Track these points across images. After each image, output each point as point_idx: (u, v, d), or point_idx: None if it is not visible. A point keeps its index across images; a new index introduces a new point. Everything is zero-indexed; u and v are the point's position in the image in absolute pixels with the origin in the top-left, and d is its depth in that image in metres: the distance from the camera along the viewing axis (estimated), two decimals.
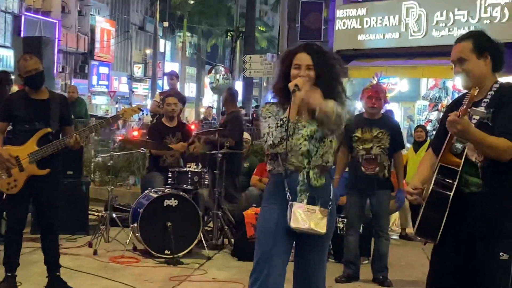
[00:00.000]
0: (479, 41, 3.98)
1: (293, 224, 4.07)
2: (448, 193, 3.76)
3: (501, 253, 3.80)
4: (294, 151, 4.15)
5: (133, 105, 7.76)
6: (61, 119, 6.14)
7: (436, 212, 3.79)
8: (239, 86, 34.17)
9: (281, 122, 4.10)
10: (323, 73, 4.19)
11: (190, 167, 8.44)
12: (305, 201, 4.13)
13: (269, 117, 4.21)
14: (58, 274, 6.25)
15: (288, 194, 4.13)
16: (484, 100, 3.90)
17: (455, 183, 3.76)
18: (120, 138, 14.50)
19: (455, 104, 4.08)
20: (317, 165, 4.18)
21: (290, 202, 4.11)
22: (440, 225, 3.76)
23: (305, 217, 4.08)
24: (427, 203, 3.81)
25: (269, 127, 4.15)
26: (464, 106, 3.54)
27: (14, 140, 6.05)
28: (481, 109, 3.69)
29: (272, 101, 4.29)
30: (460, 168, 3.78)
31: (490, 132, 3.69)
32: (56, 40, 35.18)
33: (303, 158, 4.17)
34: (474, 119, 3.84)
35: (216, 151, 8.78)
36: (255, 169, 10.32)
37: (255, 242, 4.30)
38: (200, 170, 8.43)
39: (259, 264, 4.20)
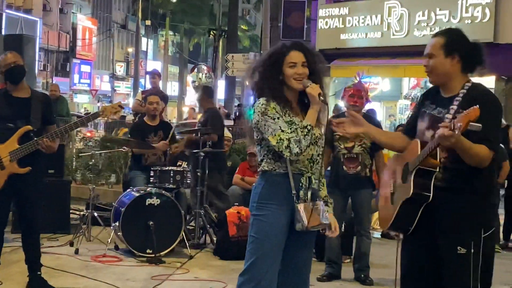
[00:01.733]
0: (451, 40, 4.02)
1: (310, 224, 4.08)
2: (427, 194, 3.86)
3: (458, 247, 3.88)
4: (302, 155, 4.17)
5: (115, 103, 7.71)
6: (43, 118, 6.10)
7: (411, 210, 3.91)
8: (221, 85, 34.13)
9: (306, 130, 4.09)
10: (315, 70, 4.24)
11: (181, 165, 8.43)
12: (310, 198, 4.15)
13: (278, 118, 4.11)
14: (39, 273, 6.21)
15: (294, 197, 4.12)
16: (456, 98, 3.96)
17: (431, 186, 3.85)
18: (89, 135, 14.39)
19: (427, 97, 4.19)
20: (318, 170, 4.23)
21: (297, 204, 4.11)
22: (414, 220, 3.91)
23: (314, 214, 4.12)
24: (407, 201, 3.89)
25: (288, 132, 4.08)
26: (462, 123, 3.51)
27: None
28: (476, 124, 3.68)
29: (265, 99, 4.17)
30: (437, 170, 3.84)
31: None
32: (38, 38, 34.95)
33: (308, 162, 4.20)
34: (446, 118, 3.91)
35: (198, 150, 8.76)
36: (237, 168, 10.32)
37: (250, 240, 4.25)
38: (182, 169, 8.42)
39: (256, 264, 4.16)
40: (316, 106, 4.14)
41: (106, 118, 6.68)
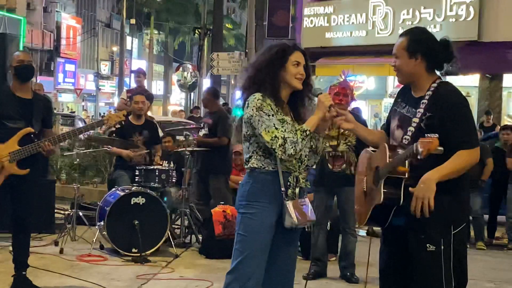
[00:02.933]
0: (412, 41, 4.04)
1: (298, 221, 4.12)
2: (398, 199, 3.90)
3: (428, 245, 3.91)
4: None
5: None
6: (43, 121, 6.09)
7: (383, 212, 3.97)
8: (206, 83, 34.09)
9: (305, 134, 4.10)
10: (309, 73, 4.29)
11: (162, 165, 8.44)
12: (298, 195, 4.18)
13: (272, 115, 4.11)
14: (24, 273, 6.18)
15: (284, 195, 4.14)
16: (423, 100, 4.00)
17: (401, 193, 3.88)
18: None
19: (400, 96, 4.24)
20: (305, 169, 4.26)
21: (287, 201, 4.13)
22: (387, 219, 3.98)
23: (303, 211, 4.17)
24: (377, 206, 3.95)
25: (282, 130, 4.09)
26: (423, 152, 3.64)
27: None
28: (438, 148, 3.72)
29: (261, 94, 4.15)
30: (407, 176, 3.88)
31: (422, 134, 3.78)
32: (21, 37, 34.77)
33: (296, 162, 4.20)
34: (414, 122, 3.97)
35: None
36: None
37: (238, 239, 4.24)
38: (167, 168, 8.40)
39: (245, 262, 4.17)
40: (321, 114, 4.16)
41: (111, 126, 6.60)
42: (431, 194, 3.78)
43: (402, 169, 3.88)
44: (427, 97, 3.98)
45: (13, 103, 6.00)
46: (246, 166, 4.28)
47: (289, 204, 4.12)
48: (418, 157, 3.64)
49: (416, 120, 3.97)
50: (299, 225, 4.16)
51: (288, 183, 4.17)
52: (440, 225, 3.86)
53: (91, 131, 12.81)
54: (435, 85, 4.01)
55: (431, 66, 4.05)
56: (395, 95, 4.41)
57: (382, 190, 3.90)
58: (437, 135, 3.64)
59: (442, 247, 3.89)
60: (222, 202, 8.64)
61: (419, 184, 3.81)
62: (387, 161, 3.93)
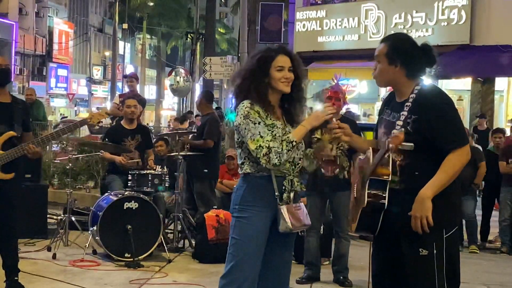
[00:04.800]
0: (392, 49, 4.06)
1: (292, 226, 4.13)
2: (382, 202, 3.92)
3: (420, 249, 3.92)
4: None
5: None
6: (23, 125, 6.07)
7: (372, 216, 3.97)
8: (199, 88, 34.10)
9: (291, 145, 4.11)
10: (300, 75, 4.30)
11: (155, 169, 8.44)
12: (292, 200, 4.20)
13: (259, 122, 4.13)
14: (16, 278, 6.16)
15: (278, 199, 4.15)
16: (407, 104, 4.02)
17: (386, 194, 3.91)
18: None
19: (385, 104, 4.28)
20: (299, 172, 4.28)
21: (281, 206, 4.14)
22: (377, 224, 3.97)
23: (297, 216, 4.18)
24: (364, 209, 3.95)
25: (268, 140, 4.09)
26: (393, 146, 3.72)
27: None
28: (407, 144, 3.78)
29: (250, 102, 4.18)
30: (390, 179, 3.89)
31: (410, 138, 3.81)
32: (14, 42, 34.73)
33: (290, 165, 4.22)
34: (397, 125, 3.99)
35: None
36: None
37: (232, 243, 4.25)
38: (160, 172, 8.39)
39: (238, 266, 4.17)
40: (309, 126, 4.18)
41: (94, 125, 6.61)
42: (428, 212, 3.82)
43: (383, 171, 3.90)
44: (410, 99, 4.01)
45: None
46: (240, 172, 4.31)
47: (284, 209, 4.14)
48: (389, 152, 3.73)
49: (400, 122, 3.99)
50: (294, 230, 4.17)
51: (283, 187, 4.18)
52: (432, 229, 3.87)
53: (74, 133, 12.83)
54: (418, 87, 4.04)
55: (411, 73, 4.06)
56: (381, 105, 4.44)
57: (366, 192, 3.93)
58: (403, 130, 3.74)
59: (435, 251, 3.90)
60: (215, 207, 8.64)
61: (415, 203, 3.84)
62: (371, 164, 3.95)
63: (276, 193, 4.16)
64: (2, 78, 6.08)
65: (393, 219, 3.94)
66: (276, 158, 4.06)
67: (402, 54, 4.03)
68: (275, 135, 4.15)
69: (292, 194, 4.19)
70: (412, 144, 3.69)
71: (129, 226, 7.77)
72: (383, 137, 4.11)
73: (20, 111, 6.09)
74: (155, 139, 10.42)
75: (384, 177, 3.90)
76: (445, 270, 3.92)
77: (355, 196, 4.19)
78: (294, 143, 4.12)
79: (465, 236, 9.81)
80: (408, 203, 3.89)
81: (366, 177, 3.97)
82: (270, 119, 4.19)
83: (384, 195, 3.90)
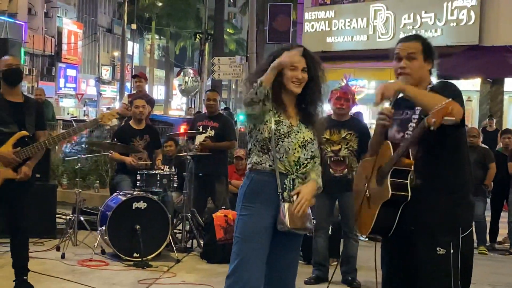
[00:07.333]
0: (427, 46, 4.13)
1: (291, 225, 4.09)
2: (406, 194, 3.89)
3: (438, 248, 3.90)
4: (287, 153, 4.18)
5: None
6: (35, 124, 6.09)
7: (391, 212, 3.93)
8: (208, 88, 34.13)
9: (258, 84, 4.09)
10: (314, 76, 4.27)
11: (163, 169, 8.44)
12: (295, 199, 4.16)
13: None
14: (25, 278, 6.18)
15: (280, 195, 4.14)
16: None
17: (408, 181, 3.88)
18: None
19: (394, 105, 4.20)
20: (301, 175, 4.24)
21: (283, 203, 4.12)
22: (394, 221, 3.93)
23: (298, 217, 4.13)
24: (386, 203, 3.92)
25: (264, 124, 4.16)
26: (437, 119, 3.60)
27: None
28: (450, 118, 3.68)
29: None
30: (412, 168, 3.87)
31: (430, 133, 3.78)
32: (23, 42, 34.80)
33: (294, 164, 4.20)
34: (413, 119, 4.02)
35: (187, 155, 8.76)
36: None
37: (235, 242, 4.24)
38: (169, 173, 8.40)
39: (242, 265, 4.16)
40: (274, 70, 4.12)
41: (105, 125, 6.65)
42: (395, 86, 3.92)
43: (408, 161, 3.89)
44: None
45: (4, 107, 6.00)
46: (247, 163, 4.32)
47: (285, 206, 4.11)
48: (432, 128, 3.60)
49: (415, 116, 4.00)
50: (291, 230, 4.11)
51: (284, 186, 4.17)
52: (449, 228, 3.86)
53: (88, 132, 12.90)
54: (430, 86, 4.07)
55: (431, 70, 4.15)
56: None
57: (389, 183, 3.89)
58: (450, 99, 3.62)
59: (452, 250, 3.89)
60: (224, 207, 8.64)
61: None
62: (391, 156, 3.93)
63: (278, 190, 4.15)
64: (14, 78, 6.10)
65: (407, 217, 3.92)
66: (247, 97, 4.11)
67: (434, 53, 4.13)
68: (280, 130, 4.16)
69: (295, 197, 4.16)
70: (454, 118, 3.59)
71: (138, 226, 7.78)
72: (396, 135, 4.11)
73: (33, 110, 6.11)
74: (164, 139, 10.42)
75: (407, 167, 3.89)
76: (459, 270, 3.92)
77: (368, 196, 4.17)
78: (259, 82, 4.09)
79: (474, 237, 9.79)
80: (425, 201, 3.88)
81: (386, 170, 3.93)
82: (279, 116, 4.20)
83: (407, 185, 3.87)
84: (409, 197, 3.87)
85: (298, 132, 4.23)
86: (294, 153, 4.19)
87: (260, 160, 4.21)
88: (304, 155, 4.23)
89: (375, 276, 4.64)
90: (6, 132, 5.94)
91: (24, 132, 5.96)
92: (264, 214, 4.16)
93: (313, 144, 4.27)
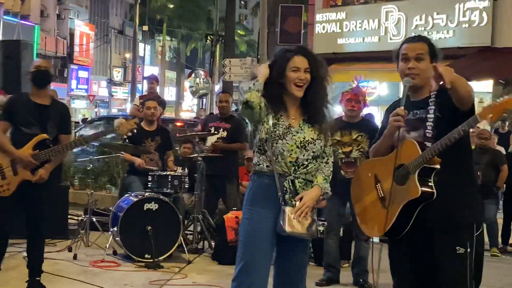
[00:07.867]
0: (433, 47, 4.14)
1: (288, 229, 4.08)
2: (432, 191, 3.87)
3: (457, 247, 3.89)
4: (282, 155, 4.17)
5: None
6: (59, 127, 6.12)
7: (409, 211, 3.91)
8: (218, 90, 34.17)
9: (254, 80, 4.13)
10: (318, 76, 4.25)
11: (175, 170, 8.46)
12: (297, 204, 4.14)
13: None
14: (38, 279, 6.20)
15: (280, 199, 4.13)
16: (430, 100, 4.04)
17: (432, 179, 3.87)
18: None
19: (393, 109, 4.22)
20: (304, 174, 4.22)
21: (283, 207, 4.11)
22: (410, 221, 3.91)
23: (300, 221, 4.10)
24: (411, 202, 3.88)
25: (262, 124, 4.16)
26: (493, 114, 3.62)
27: (12, 143, 6.01)
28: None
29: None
30: (439, 166, 3.87)
31: (441, 123, 3.84)
32: (35, 44, 34.91)
33: (291, 165, 4.18)
34: (429, 118, 3.99)
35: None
36: None
37: (239, 245, 4.25)
38: (180, 174, 8.41)
39: (245, 269, 4.16)
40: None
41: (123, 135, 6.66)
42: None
43: (438, 159, 3.87)
44: (433, 95, 4.03)
45: (29, 109, 6.04)
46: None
47: (285, 210, 4.10)
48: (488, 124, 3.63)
49: (431, 115, 3.98)
50: (291, 235, 4.10)
51: (285, 188, 4.15)
52: (468, 227, 3.86)
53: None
54: (437, 87, 4.04)
55: None
56: (385, 114, 4.40)
57: (417, 181, 3.86)
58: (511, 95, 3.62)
59: (469, 249, 3.88)
60: (235, 208, 8.65)
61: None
62: (419, 154, 3.90)
63: (278, 193, 4.14)
64: (41, 80, 6.14)
65: (426, 216, 3.90)
66: (245, 90, 4.10)
67: (438, 53, 4.14)
68: (275, 132, 4.16)
69: (298, 203, 4.14)
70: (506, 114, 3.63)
71: (149, 227, 7.79)
72: (411, 133, 4.09)
73: (58, 114, 6.14)
74: (181, 140, 10.43)
75: (435, 165, 3.88)
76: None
77: (381, 195, 4.13)
78: (256, 79, 4.13)
79: (486, 239, 9.75)
80: (444, 195, 3.86)
81: (414, 167, 3.90)
82: (278, 118, 4.20)
83: (432, 183, 3.86)
84: (435, 195, 3.85)
85: (297, 132, 4.20)
86: (291, 154, 4.16)
87: (258, 161, 4.23)
88: (303, 155, 4.20)
89: (386, 277, 4.63)
90: (27, 133, 5.98)
91: (44, 135, 5.99)
92: (267, 217, 4.16)
93: (315, 144, 4.23)
